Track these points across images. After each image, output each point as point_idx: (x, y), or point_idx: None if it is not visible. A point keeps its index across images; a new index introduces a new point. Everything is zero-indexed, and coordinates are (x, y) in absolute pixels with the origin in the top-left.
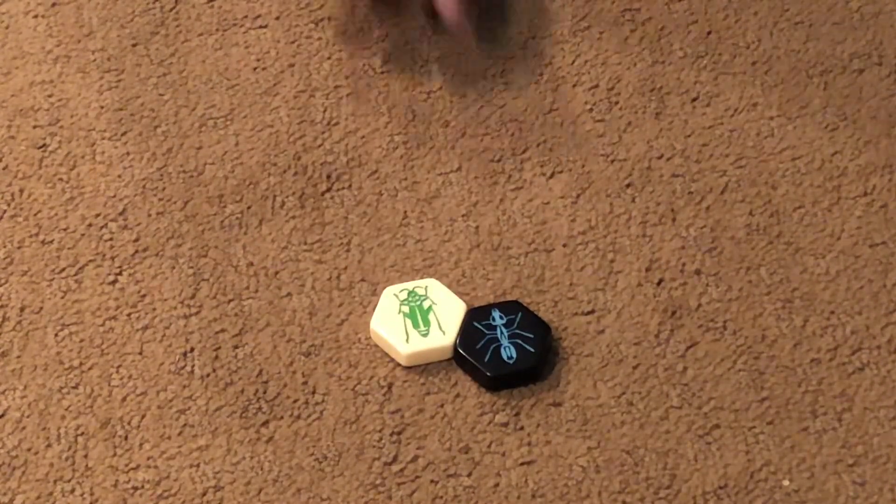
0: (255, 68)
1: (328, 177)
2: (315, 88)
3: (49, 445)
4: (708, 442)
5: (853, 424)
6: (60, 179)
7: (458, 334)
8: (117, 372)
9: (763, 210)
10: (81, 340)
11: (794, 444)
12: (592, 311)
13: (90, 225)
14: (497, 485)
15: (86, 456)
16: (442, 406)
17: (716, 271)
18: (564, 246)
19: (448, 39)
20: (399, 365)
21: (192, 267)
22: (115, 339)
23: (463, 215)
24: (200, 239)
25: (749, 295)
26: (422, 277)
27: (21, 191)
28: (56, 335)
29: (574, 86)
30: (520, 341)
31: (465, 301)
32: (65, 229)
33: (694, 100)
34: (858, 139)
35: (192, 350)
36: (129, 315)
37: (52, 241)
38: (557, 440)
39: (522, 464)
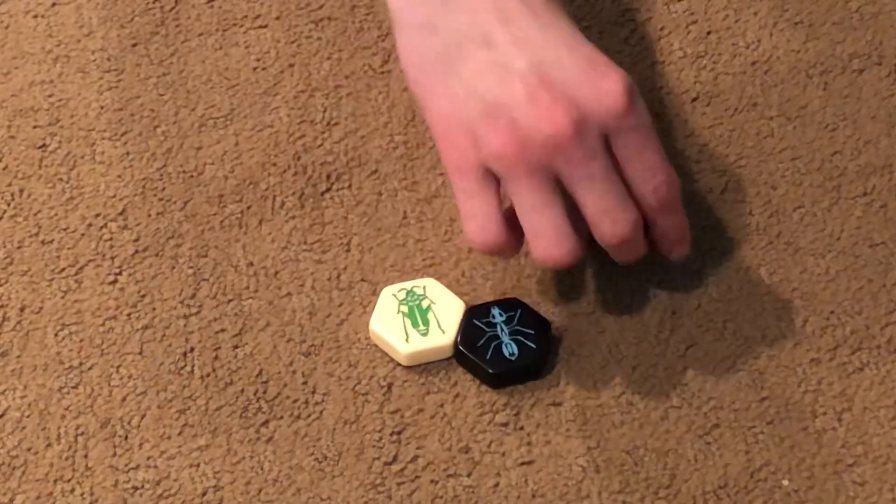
0: (255, 68)
1: (328, 177)
2: (315, 88)
3: (49, 445)
4: (708, 442)
5: (853, 424)
6: (60, 179)
7: (458, 332)
8: (117, 372)
9: (763, 210)
10: (81, 340)
11: (794, 444)
12: (592, 312)
13: (90, 225)
14: (497, 485)
15: (86, 456)
16: (442, 406)
17: (716, 271)
18: None
19: None
20: (399, 365)
21: (192, 267)
22: (115, 339)
23: None
24: (200, 239)
25: (749, 295)
26: (422, 277)
27: (21, 191)
28: (56, 335)
29: None
30: (521, 338)
31: (464, 301)
32: (65, 229)
33: (694, 100)
34: (858, 139)
35: (192, 350)
36: (129, 315)
37: (52, 241)
38: (557, 440)
39: (522, 464)
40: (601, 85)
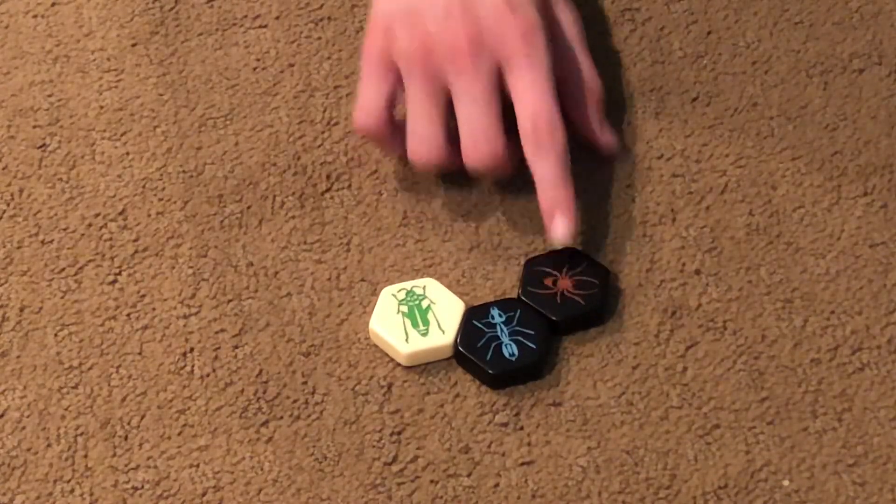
0: (254, 68)
1: (328, 177)
2: (315, 88)
3: (49, 445)
4: (708, 442)
5: (853, 424)
6: (60, 179)
7: (457, 334)
8: (117, 372)
9: (763, 210)
10: (81, 340)
11: (794, 444)
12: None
13: (90, 225)
14: (497, 485)
15: (86, 456)
16: (442, 406)
17: (716, 271)
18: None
19: None
20: (399, 365)
21: (191, 267)
22: (115, 339)
23: (463, 215)
24: (200, 239)
25: (749, 295)
26: (422, 277)
27: (21, 191)
28: (56, 335)
29: None
30: (521, 338)
31: (464, 301)
32: (64, 229)
33: (694, 100)
34: (858, 139)
35: (191, 350)
36: (128, 315)
37: (51, 241)
38: (557, 440)
39: (522, 464)
40: (507, 20)
